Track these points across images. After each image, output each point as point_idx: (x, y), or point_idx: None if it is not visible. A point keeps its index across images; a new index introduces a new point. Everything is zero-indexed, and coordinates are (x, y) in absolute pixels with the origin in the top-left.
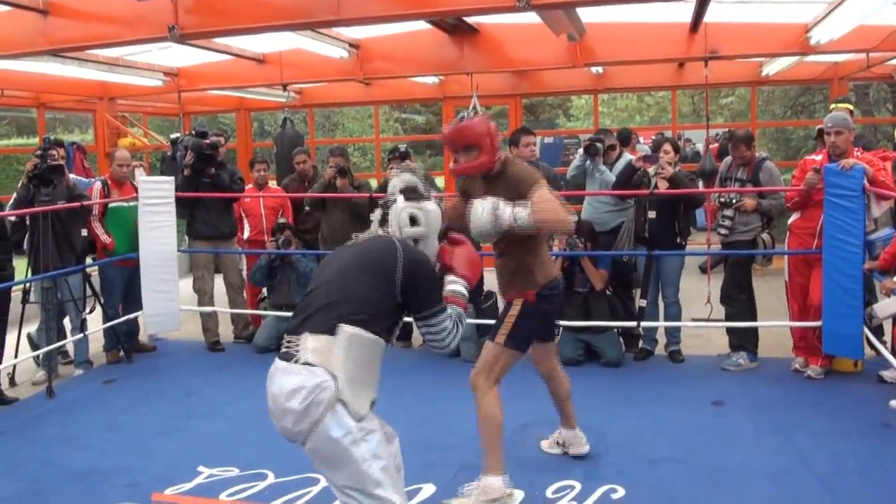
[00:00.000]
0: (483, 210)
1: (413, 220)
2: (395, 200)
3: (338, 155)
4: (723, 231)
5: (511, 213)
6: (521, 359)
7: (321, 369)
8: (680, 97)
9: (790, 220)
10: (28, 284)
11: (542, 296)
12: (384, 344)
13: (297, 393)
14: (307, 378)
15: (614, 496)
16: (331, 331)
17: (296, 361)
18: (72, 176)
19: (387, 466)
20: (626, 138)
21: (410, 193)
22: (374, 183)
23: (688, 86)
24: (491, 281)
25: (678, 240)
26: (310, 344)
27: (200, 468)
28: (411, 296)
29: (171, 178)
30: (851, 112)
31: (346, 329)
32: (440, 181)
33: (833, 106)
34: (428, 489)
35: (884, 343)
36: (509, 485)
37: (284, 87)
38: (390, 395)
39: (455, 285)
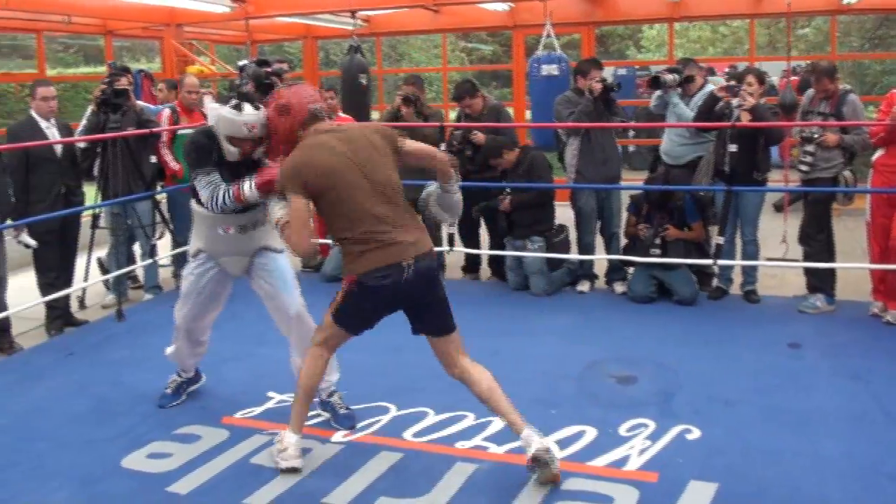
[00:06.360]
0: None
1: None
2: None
3: (410, 83)
4: (804, 168)
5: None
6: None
7: None
8: (755, 28)
9: (874, 158)
10: (98, 210)
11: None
12: (203, 210)
13: None
14: None
15: (689, 437)
16: None
17: None
18: (140, 103)
19: (192, 292)
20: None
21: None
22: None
23: (768, 14)
24: (561, 214)
25: (755, 175)
26: None
27: (270, 393)
28: None
29: None
30: None
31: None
32: (511, 111)
33: None
34: (497, 423)
35: None
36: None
37: (353, 13)
38: (462, 325)
39: (245, 181)
